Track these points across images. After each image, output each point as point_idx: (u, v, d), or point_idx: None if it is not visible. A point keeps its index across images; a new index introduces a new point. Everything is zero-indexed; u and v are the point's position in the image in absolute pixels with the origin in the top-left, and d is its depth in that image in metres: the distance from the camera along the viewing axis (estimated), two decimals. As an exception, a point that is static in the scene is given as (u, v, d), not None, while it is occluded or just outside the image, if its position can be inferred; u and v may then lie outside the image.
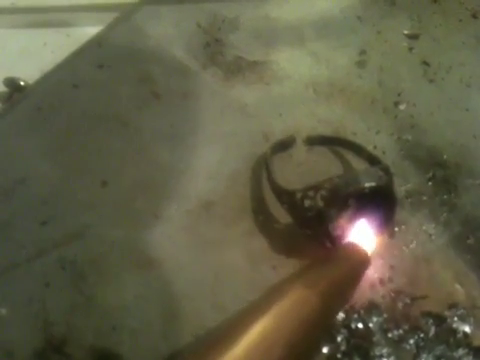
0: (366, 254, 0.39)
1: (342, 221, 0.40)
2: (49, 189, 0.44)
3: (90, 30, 0.55)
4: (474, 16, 0.63)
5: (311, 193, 0.39)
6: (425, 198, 0.47)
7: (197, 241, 0.42)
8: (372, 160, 0.45)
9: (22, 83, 0.50)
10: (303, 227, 0.41)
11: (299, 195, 0.40)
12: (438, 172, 0.48)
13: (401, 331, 0.39)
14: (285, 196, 0.41)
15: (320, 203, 0.38)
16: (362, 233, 0.40)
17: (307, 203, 0.39)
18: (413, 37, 0.59)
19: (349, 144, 0.48)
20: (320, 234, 0.40)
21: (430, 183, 0.48)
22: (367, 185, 0.38)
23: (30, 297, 0.38)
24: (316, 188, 0.39)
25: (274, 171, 0.44)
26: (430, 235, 0.44)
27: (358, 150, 0.47)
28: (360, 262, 0.39)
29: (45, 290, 0.39)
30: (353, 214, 0.41)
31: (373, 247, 0.40)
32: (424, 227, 0.45)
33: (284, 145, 0.49)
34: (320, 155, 0.49)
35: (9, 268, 0.40)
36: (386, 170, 0.41)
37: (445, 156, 0.50)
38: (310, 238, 0.41)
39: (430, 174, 0.48)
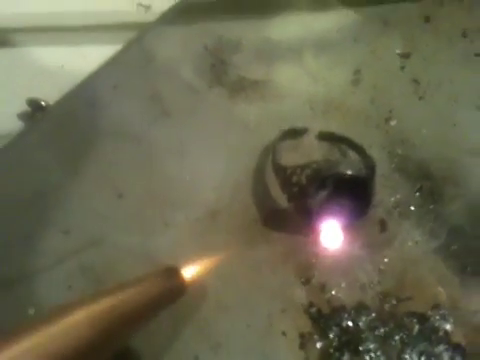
0: (182, 284, 0.38)
1: (319, 199, 0.45)
2: (68, 201, 0.48)
3: (105, 50, 0.59)
4: (464, 35, 0.65)
5: (298, 171, 0.44)
6: (413, 208, 0.49)
7: (204, 247, 0.46)
8: (368, 161, 0.48)
9: (43, 103, 0.53)
10: (289, 200, 0.46)
11: (289, 171, 0.45)
12: (425, 184, 0.50)
13: (387, 329, 0.42)
14: (280, 171, 0.47)
15: (304, 180, 0.44)
16: (331, 223, 0.46)
17: (294, 179, 0.44)
18: (405, 56, 0.61)
19: (353, 145, 0.51)
20: (301, 208, 0.45)
21: (417, 194, 0.50)
22: (345, 172, 0.44)
23: (54, 300, 0.42)
24: (303, 167, 0.44)
25: (279, 153, 0.49)
26: (417, 242, 0.47)
27: (360, 151, 0.50)
28: (170, 291, 0.38)
29: (68, 293, 0.43)
30: (330, 195, 0.45)
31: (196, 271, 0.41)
32: (411, 235, 0.47)
33: (295, 133, 0.53)
34: (326, 152, 0.52)
35: (33, 273, 0.44)
36: (370, 167, 0.46)
37: (432, 169, 0.51)
38: (295, 212, 0.46)
39: (418, 186, 0.50)
